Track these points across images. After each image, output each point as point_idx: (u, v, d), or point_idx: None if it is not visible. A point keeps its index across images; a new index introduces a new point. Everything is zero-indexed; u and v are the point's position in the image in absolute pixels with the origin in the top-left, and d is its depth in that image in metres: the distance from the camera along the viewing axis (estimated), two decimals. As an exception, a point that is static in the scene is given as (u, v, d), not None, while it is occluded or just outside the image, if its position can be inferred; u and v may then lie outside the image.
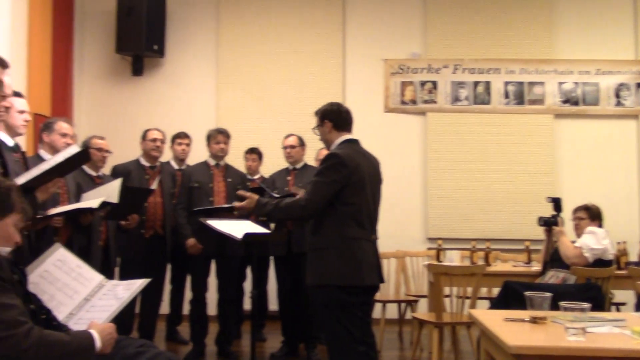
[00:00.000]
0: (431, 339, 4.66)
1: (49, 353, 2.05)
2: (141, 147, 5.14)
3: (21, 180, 2.71)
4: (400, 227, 6.70)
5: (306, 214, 3.35)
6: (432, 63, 6.98)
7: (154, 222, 4.98)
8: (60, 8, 6.31)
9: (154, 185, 4.69)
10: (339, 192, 3.29)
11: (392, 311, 5.88)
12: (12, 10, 5.25)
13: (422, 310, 5.53)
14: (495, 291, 5.11)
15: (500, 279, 4.48)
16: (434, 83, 6.98)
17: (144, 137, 5.12)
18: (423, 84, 6.98)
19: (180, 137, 5.56)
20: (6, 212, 2.20)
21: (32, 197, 2.70)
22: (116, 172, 4.94)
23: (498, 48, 6.98)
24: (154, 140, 5.07)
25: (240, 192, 3.58)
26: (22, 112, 3.38)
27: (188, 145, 5.56)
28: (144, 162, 5.10)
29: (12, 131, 3.34)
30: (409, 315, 5.71)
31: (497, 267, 5.24)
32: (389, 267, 5.59)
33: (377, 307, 5.47)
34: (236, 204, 3.65)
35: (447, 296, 4.84)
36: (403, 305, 5.89)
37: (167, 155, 5.54)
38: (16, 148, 3.32)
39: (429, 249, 6.36)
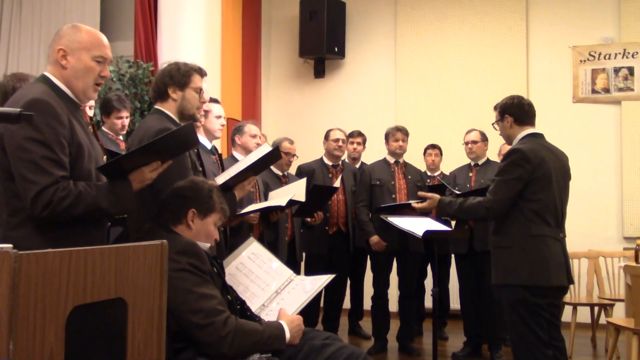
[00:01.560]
0: (630, 347, 4.31)
1: (244, 341, 2.20)
2: (324, 146, 5.33)
3: (220, 179, 2.91)
4: (593, 225, 6.27)
5: (491, 215, 3.28)
6: (628, 47, 6.41)
7: (337, 218, 5.14)
8: (249, 18, 6.75)
9: (337, 184, 4.84)
10: (522, 189, 3.18)
11: (583, 315, 5.51)
12: (206, 23, 5.71)
13: (619, 315, 5.13)
14: None
15: None
16: (630, 69, 6.41)
17: (326, 137, 5.30)
18: (617, 70, 6.45)
19: (353, 135, 5.56)
20: (208, 212, 2.40)
21: (232, 195, 2.89)
22: (301, 171, 5.19)
23: None
24: (337, 140, 5.22)
25: (421, 194, 3.59)
26: (219, 117, 3.66)
27: (360, 144, 5.56)
28: (327, 161, 5.28)
29: (210, 135, 3.62)
30: (602, 320, 5.33)
31: None
32: (579, 268, 5.27)
33: (568, 310, 5.18)
34: (415, 204, 3.67)
35: (647, 301, 4.44)
36: (596, 309, 5.50)
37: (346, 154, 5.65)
38: (213, 150, 3.61)
39: (626, 249, 5.88)
